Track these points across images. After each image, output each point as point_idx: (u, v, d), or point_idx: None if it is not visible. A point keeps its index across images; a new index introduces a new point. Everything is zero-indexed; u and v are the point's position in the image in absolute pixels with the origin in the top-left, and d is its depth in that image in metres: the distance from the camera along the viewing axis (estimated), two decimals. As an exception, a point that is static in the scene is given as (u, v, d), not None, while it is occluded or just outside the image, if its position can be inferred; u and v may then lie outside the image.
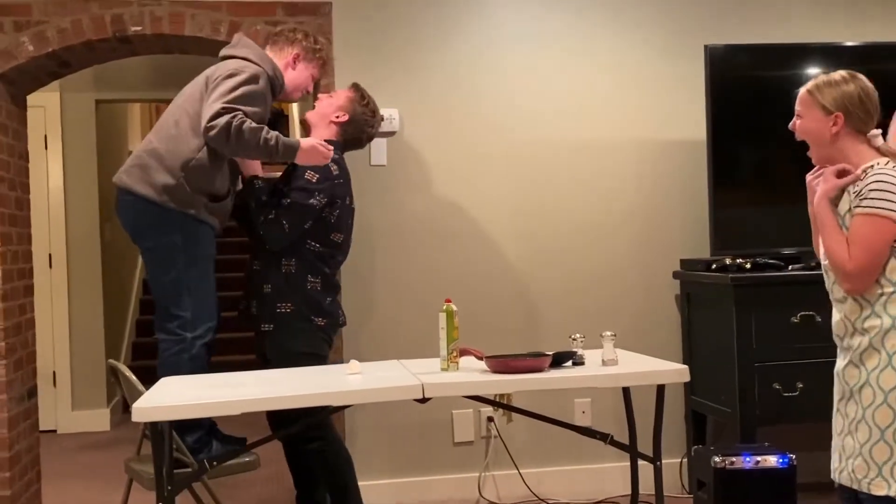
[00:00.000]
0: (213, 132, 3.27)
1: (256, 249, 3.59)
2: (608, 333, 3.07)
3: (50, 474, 5.08)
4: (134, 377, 3.31)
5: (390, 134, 4.20)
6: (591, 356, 3.14)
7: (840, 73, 2.52)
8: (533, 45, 4.32)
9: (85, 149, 6.38)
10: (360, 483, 4.10)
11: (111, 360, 3.51)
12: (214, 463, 3.00)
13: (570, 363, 3.06)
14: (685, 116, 4.39)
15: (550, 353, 3.05)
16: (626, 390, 3.29)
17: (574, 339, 3.10)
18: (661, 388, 3.09)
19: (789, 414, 3.92)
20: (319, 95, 3.83)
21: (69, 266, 6.35)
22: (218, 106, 3.29)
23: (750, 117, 4.20)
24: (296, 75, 3.68)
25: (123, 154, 7.78)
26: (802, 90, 2.55)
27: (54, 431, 6.29)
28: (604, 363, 3.05)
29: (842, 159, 2.49)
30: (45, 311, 6.28)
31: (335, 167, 3.50)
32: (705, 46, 4.15)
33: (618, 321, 4.30)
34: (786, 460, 3.67)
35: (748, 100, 4.21)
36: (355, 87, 3.71)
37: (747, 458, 3.67)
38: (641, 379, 2.99)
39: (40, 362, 6.21)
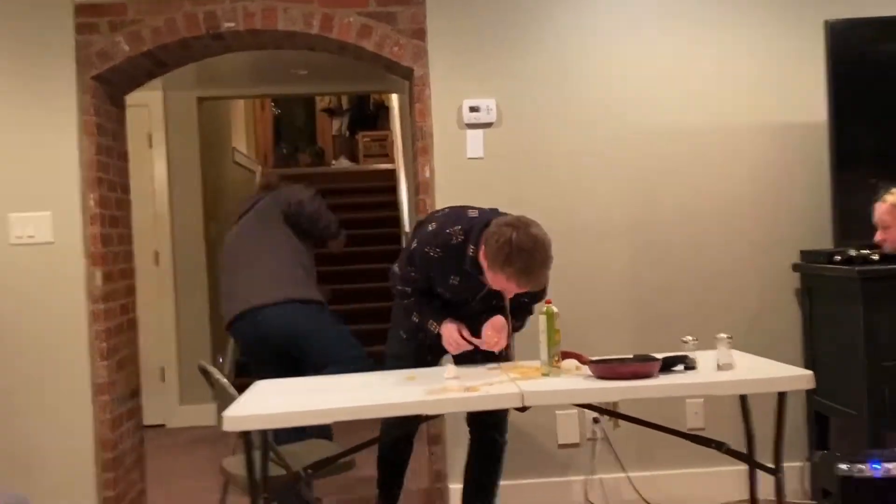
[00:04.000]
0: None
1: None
2: (724, 336, 2.86)
3: (157, 471, 5.12)
4: (224, 380, 3.25)
5: (487, 125, 4.04)
6: (705, 358, 2.94)
7: None
8: (641, 29, 4.10)
9: (188, 146, 6.43)
10: (456, 486, 3.99)
11: (201, 362, 3.46)
12: (310, 471, 2.92)
13: (681, 367, 2.85)
14: (804, 97, 4.11)
15: (660, 356, 2.86)
16: (743, 396, 3.06)
17: (686, 342, 2.89)
18: (782, 396, 2.86)
19: (923, 417, 3.62)
20: None
21: (175, 263, 6.42)
22: None
23: (874, 96, 3.93)
24: None
25: (227, 151, 7.84)
26: (882, 205, 2.34)
27: (163, 426, 6.38)
28: (719, 368, 2.84)
29: None
30: (152, 307, 6.36)
31: None
32: (825, 21, 3.88)
33: (734, 317, 4.07)
34: (920, 468, 3.38)
35: (872, 78, 3.93)
36: None
37: (876, 466, 3.39)
38: (760, 387, 2.77)
39: (149, 358, 6.33)
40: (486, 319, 3.15)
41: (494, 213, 3.21)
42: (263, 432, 3.00)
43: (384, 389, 2.82)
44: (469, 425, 3.53)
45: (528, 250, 2.88)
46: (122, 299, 4.23)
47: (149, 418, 6.27)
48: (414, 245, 3.24)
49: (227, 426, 2.56)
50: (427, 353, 3.42)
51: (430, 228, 3.23)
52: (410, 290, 3.30)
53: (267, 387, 3.07)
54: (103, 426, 3.95)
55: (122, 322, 4.21)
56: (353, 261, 8.67)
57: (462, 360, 3.21)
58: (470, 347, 3.17)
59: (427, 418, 3.44)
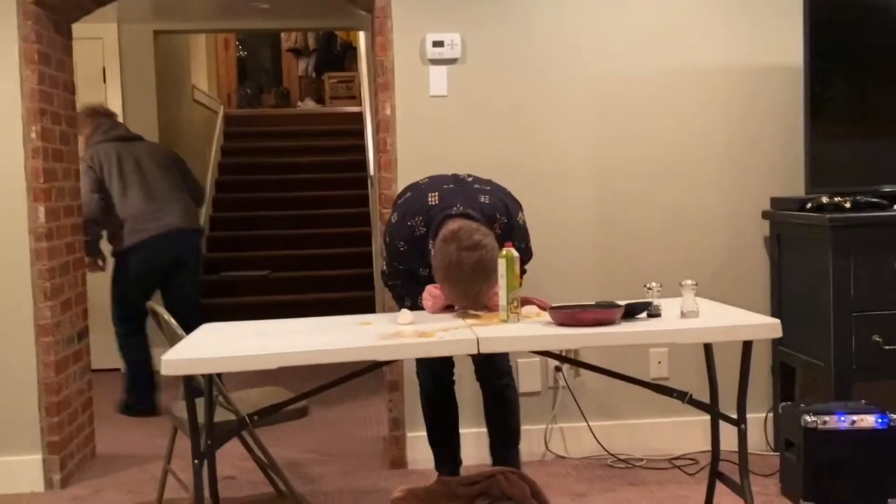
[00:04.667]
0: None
1: None
2: (689, 282, 2.75)
3: (110, 416, 5.00)
4: (173, 321, 3.11)
5: (451, 62, 3.87)
6: (670, 306, 2.83)
7: None
8: (609, -38, 3.93)
9: (144, 82, 6.21)
10: (414, 434, 3.91)
11: (150, 303, 3.32)
12: (255, 417, 2.79)
13: (644, 315, 2.74)
14: (779, 39, 3.98)
15: (623, 303, 2.74)
16: (707, 345, 2.96)
17: (650, 289, 2.78)
18: (747, 345, 2.76)
19: (890, 369, 3.55)
20: None
21: (130, 203, 6.21)
22: None
23: (852, 41, 3.79)
24: None
25: (187, 88, 7.60)
26: None
27: (118, 370, 6.20)
28: (683, 315, 2.73)
29: None
30: (106, 249, 6.17)
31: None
32: (804, -40, 3.72)
33: (701, 265, 3.97)
34: (885, 420, 3.32)
35: (851, 21, 3.79)
36: None
37: (842, 418, 3.33)
38: (725, 335, 2.67)
39: (103, 300, 6.15)
40: None
41: (456, 194, 3.08)
42: (209, 377, 2.88)
43: (336, 334, 2.69)
44: (477, 380, 3.43)
45: (464, 281, 2.84)
46: (68, 237, 4.05)
47: (108, 361, 6.15)
48: (387, 240, 3.20)
49: (166, 370, 2.42)
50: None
51: (394, 220, 3.16)
52: (401, 282, 3.24)
53: (213, 329, 2.93)
54: (47, 369, 3.81)
55: (68, 261, 4.04)
56: (319, 205, 8.52)
57: None
58: (444, 303, 3.06)
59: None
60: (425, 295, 3.08)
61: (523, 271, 3.23)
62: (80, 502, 3.70)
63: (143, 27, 6.17)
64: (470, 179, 3.22)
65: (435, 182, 3.19)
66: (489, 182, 3.23)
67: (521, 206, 3.22)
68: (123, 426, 4.83)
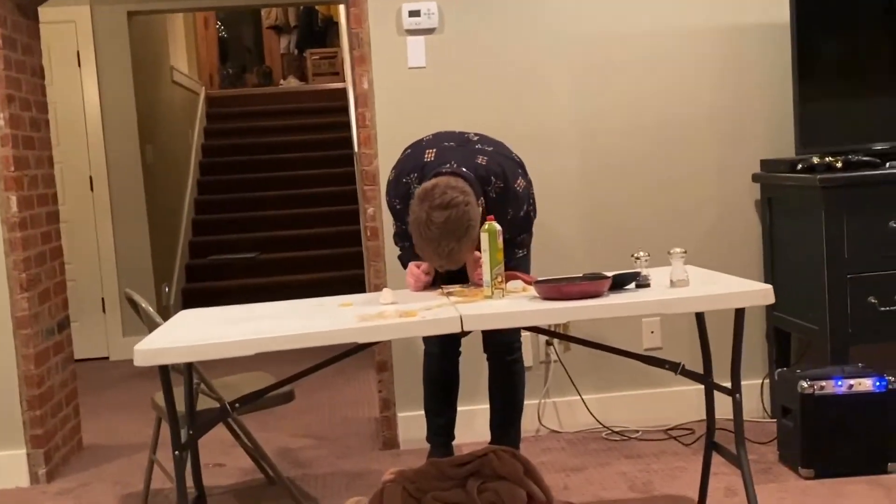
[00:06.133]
0: None
1: None
2: (677, 250, 2.66)
3: (96, 406, 4.93)
4: (151, 309, 3.03)
5: (429, 31, 3.77)
6: (659, 276, 2.75)
7: None
8: (588, -77, 3.82)
9: (120, 65, 6.07)
10: (405, 414, 3.84)
11: (128, 290, 3.23)
12: (238, 405, 2.71)
13: (632, 286, 2.66)
14: (765, -4, 3.87)
15: (611, 274, 2.66)
16: (699, 313, 2.88)
17: (637, 259, 2.70)
18: (739, 312, 2.68)
19: (887, 330, 3.48)
20: None
21: (111, 189, 6.12)
22: None
23: (841, -4, 3.69)
24: None
25: (165, 70, 7.47)
26: None
27: (107, 359, 6.15)
28: (672, 285, 2.65)
29: None
30: (89, 236, 6.10)
31: None
32: (788, -87, 3.61)
33: (690, 232, 3.89)
34: (883, 383, 3.27)
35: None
36: None
37: (839, 382, 3.27)
38: (716, 303, 2.58)
39: (89, 289, 6.08)
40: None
41: (454, 152, 2.98)
42: (188, 365, 2.80)
43: (314, 317, 2.61)
44: (485, 352, 3.34)
45: (434, 239, 2.74)
46: (44, 227, 3.95)
47: (91, 351, 6.10)
48: (387, 199, 3.12)
49: (139, 360, 2.33)
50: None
51: (391, 178, 3.08)
52: (409, 244, 3.09)
53: (190, 316, 2.84)
54: (27, 361, 3.72)
55: (45, 251, 3.95)
56: (306, 184, 8.42)
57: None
58: (427, 280, 2.99)
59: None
60: (407, 273, 2.99)
61: (521, 241, 3.13)
62: (67, 496, 3.63)
63: (116, 8, 6.04)
64: (475, 139, 3.11)
65: (437, 139, 3.10)
66: (496, 143, 3.12)
67: (524, 172, 3.10)
68: (111, 416, 4.76)
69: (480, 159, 2.98)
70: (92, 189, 6.09)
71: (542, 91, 3.85)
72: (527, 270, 3.15)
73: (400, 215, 3.08)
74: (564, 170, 3.89)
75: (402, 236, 3.17)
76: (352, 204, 7.43)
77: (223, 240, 7.85)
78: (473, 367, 3.58)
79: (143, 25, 6.62)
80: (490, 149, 3.05)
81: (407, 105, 3.79)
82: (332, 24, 11.37)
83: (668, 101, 3.91)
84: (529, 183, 3.11)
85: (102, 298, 6.14)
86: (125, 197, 6.14)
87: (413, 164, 3.02)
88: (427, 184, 2.80)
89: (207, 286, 7.28)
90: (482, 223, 2.76)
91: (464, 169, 2.89)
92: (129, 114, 6.10)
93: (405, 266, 3.12)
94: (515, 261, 3.07)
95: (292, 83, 11.44)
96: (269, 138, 9.05)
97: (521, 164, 3.13)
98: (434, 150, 3.02)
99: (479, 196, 2.86)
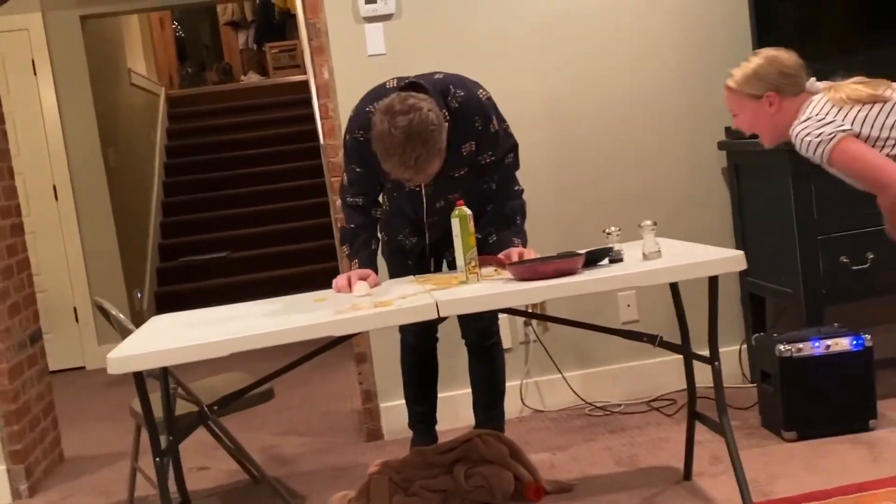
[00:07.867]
0: None
1: None
2: (647, 223, 2.66)
3: (73, 416, 4.87)
4: (121, 316, 2.99)
5: (386, 17, 3.73)
6: (631, 250, 2.75)
7: (748, 58, 2.65)
8: None
9: (76, 70, 5.99)
10: (387, 404, 3.82)
11: (96, 298, 3.19)
12: (216, 407, 2.68)
13: (606, 261, 2.66)
14: (720, -37, 3.86)
15: (584, 251, 2.65)
16: (673, 284, 2.88)
17: (609, 234, 2.69)
18: (713, 280, 2.69)
19: (861, 289, 3.51)
20: None
21: (76, 196, 6.04)
22: None
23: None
24: None
25: (123, 73, 7.38)
26: (725, 91, 2.65)
27: (83, 368, 6.09)
28: (645, 258, 2.65)
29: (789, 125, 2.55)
30: (57, 245, 6.03)
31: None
32: None
33: (660, 204, 3.89)
34: (860, 342, 3.28)
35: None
36: None
37: (816, 344, 3.29)
38: (689, 272, 2.58)
39: (60, 299, 6.01)
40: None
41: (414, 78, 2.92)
42: (164, 370, 2.76)
43: (288, 315, 2.58)
44: (462, 338, 3.32)
45: (398, 147, 2.63)
46: (7, 240, 3.89)
47: (66, 361, 6.03)
48: (346, 138, 2.98)
49: (112, 369, 2.30)
50: (407, 259, 3.20)
51: (352, 113, 2.97)
52: (354, 226, 3.00)
53: (162, 321, 2.81)
54: (0, 377, 3.67)
55: (11, 265, 3.89)
56: (274, 180, 8.36)
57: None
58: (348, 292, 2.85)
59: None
60: (339, 277, 2.92)
61: (512, 163, 3.08)
62: (51, 510, 3.59)
63: (68, 13, 5.95)
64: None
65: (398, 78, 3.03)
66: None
67: (486, 91, 2.98)
68: (91, 426, 4.71)
69: (438, 76, 2.94)
70: (56, 198, 6.02)
71: (506, 68, 3.83)
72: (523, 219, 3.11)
73: (358, 151, 2.92)
74: (532, 150, 3.86)
75: (353, 185, 3.00)
76: (321, 196, 7.39)
77: (193, 241, 7.78)
78: (452, 353, 3.57)
79: (98, 29, 6.54)
80: (452, 75, 2.98)
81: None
82: (290, 17, 11.26)
83: (632, 73, 3.90)
84: (493, 100, 2.99)
85: (74, 308, 6.07)
86: (90, 204, 6.07)
87: (375, 93, 2.93)
88: (385, 100, 2.73)
89: (180, 289, 7.22)
90: (449, 140, 2.74)
91: (422, 81, 2.85)
92: (89, 120, 6.03)
93: (343, 243, 3.05)
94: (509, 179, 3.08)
95: (253, 78, 11.34)
96: (234, 135, 8.97)
97: (483, 88, 3.02)
98: (395, 78, 2.97)
99: (440, 106, 2.79)
